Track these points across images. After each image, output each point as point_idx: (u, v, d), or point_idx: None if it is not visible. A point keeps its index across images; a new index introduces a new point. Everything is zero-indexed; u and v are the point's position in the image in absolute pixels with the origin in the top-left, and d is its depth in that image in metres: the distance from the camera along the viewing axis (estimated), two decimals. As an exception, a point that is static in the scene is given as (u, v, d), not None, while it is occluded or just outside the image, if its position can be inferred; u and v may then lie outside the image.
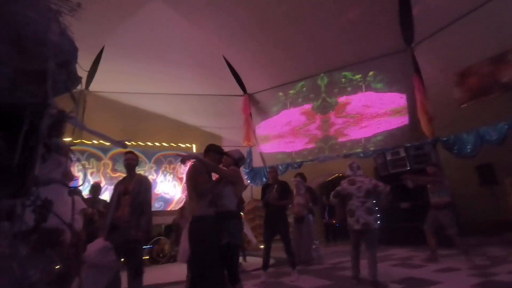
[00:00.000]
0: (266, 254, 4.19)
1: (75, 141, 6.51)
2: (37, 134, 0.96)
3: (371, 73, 7.06)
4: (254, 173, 8.27)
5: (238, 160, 2.98)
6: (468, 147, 5.26)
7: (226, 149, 3.01)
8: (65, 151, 1.25)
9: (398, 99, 6.70)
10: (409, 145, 6.23)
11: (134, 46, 6.88)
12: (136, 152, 3.47)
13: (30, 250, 1.09)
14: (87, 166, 7.51)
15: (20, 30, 0.90)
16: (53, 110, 1.02)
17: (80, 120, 1.14)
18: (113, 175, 7.75)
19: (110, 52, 6.77)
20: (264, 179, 7.90)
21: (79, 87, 3.74)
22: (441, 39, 5.76)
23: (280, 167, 7.97)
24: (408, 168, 6.07)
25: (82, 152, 7.45)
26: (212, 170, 2.67)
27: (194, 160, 2.67)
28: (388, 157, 6.53)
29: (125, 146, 1.39)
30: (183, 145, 8.88)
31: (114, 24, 6.00)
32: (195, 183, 2.60)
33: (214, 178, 2.83)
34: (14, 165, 0.90)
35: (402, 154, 6.31)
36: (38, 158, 0.98)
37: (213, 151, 2.83)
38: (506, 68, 5.16)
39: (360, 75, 7.22)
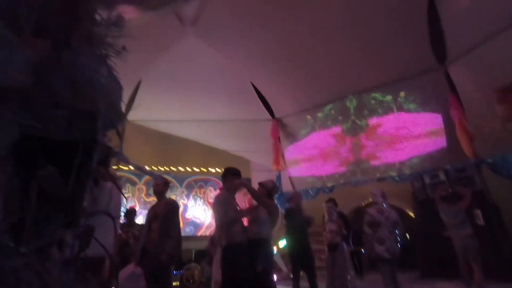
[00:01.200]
0: (296, 286, 4.06)
1: (114, 167, 6.90)
2: (87, 168, 1.04)
3: (402, 93, 6.87)
4: (284, 198, 8.16)
5: (271, 189, 3.01)
6: (517, 169, 4.85)
7: (255, 173, 3.07)
8: (113, 180, 1.33)
9: (434, 120, 6.41)
10: (449, 167, 5.86)
11: (167, 78, 7.31)
12: (168, 177, 3.60)
13: (74, 275, 1.14)
14: (123, 191, 7.86)
15: (76, 75, 1.01)
16: (101, 146, 1.10)
17: (125, 155, 1.21)
18: (147, 200, 8.01)
19: (146, 84, 7.25)
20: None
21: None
22: (477, 56, 5.52)
23: (310, 191, 7.80)
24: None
25: (119, 178, 7.83)
26: (256, 199, 2.73)
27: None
28: (427, 181, 6.18)
29: (164, 179, 1.46)
30: (213, 170, 9.03)
31: (150, 60, 6.45)
32: (225, 211, 2.63)
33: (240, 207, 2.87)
34: (66, 197, 0.97)
35: (442, 177, 5.94)
36: (87, 191, 1.06)
37: (231, 174, 2.89)
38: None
39: (390, 96, 7.05)
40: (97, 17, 1.26)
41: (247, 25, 5.98)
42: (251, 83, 7.73)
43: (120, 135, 1.24)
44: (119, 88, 1.20)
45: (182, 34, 6.14)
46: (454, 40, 5.74)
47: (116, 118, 1.18)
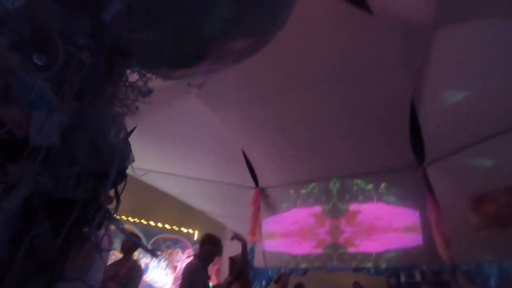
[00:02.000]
0: None
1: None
2: (78, 229, 0.99)
3: (383, 184, 7.14)
4: (254, 274, 7.65)
5: (243, 266, 2.86)
6: (492, 280, 4.84)
7: (229, 242, 2.93)
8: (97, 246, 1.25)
9: (412, 216, 6.57)
10: (426, 268, 5.80)
11: (159, 128, 7.42)
12: (135, 230, 3.39)
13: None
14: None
15: (97, 137, 1.03)
16: (101, 208, 1.07)
17: (122, 223, 1.17)
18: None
19: (139, 132, 7.28)
20: (264, 283, 7.24)
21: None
22: (455, 162, 5.96)
23: (282, 270, 7.39)
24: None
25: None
26: (245, 264, 2.57)
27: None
28: (403, 279, 6.03)
29: (157, 255, 1.39)
30: (185, 230, 8.58)
31: (150, 110, 6.62)
32: (191, 284, 2.45)
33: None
34: (49, 257, 0.90)
35: (418, 278, 5.83)
36: (72, 254, 0.98)
37: (211, 243, 2.76)
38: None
39: (372, 185, 7.29)
40: (124, 79, 1.34)
41: (249, 98, 6.39)
42: (242, 150, 7.90)
43: (118, 197, 1.21)
44: (130, 151, 1.22)
45: (187, 93, 6.46)
46: (432, 143, 6.27)
47: (119, 179, 1.18)
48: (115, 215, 1.16)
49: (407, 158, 6.66)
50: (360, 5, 4.91)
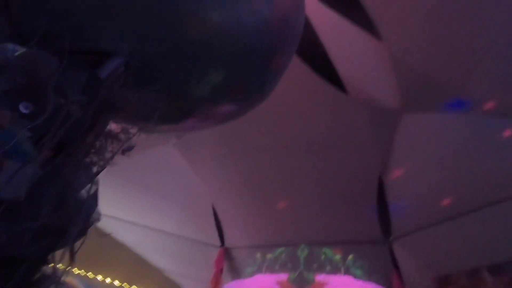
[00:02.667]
0: None
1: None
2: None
3: (350, 256, 7.05)
4: None
5: None
6: None
7: None
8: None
9: (378, 292, 6.41)
10: None
11: (129, 173, 7.13)
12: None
13: None
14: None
15: (65, 193, 0.97)
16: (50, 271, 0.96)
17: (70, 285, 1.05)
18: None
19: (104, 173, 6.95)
20: None
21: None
22: (420, 239, 6.09)
23: None
24: None
25: None
26: None
27: None
28: None
29: None
30: (137, 290, 7.74)
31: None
32: None
33: None
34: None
35: None
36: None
37: None
38: (479, 286, 5.23)
39: (339, 256, 7.17)
40: (106, 131, 1.33)
41: (225, 153, 6.46)
42: (212, 205, 7.68)
43: (73, 257, 1.10)
44: (95, 206, 1.15)
45: (164, 141, 6.42)
46: (398, 219, 6.45)
47: (79, 236, 1.08)
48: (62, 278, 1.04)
49: (374, 231, 6.74)
50: (335, 83, 5.44)
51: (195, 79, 1.57)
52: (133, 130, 1.31)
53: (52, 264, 0.98)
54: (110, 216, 7.71)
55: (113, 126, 1.38)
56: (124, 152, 1.19)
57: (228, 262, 7.97)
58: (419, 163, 5.67)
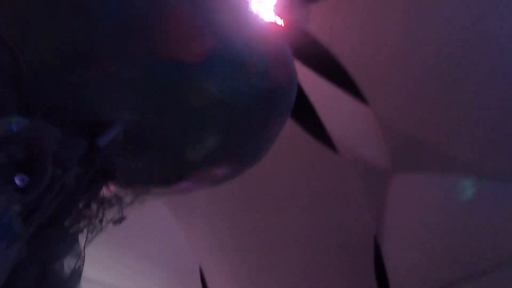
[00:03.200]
0: None
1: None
2: None
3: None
4: None
5: None
6: None
7: None
8: None
9: None
10: None
11: (114, 230, 6.78)
12: None
13: None
14: None
15: (47, 271, 0.91)
16: None
17: None
18: None
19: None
20: None
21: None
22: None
23: None
24: None
25: None
26: None
27: None
28: None
29: None
30: None
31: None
32: None
33: None
34: None
35: None
36: None
37: None
38: None
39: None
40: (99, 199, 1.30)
41: (215, 212, 6.30)
42: (200, 268, 7.21)
43: None
44: (78, 283, 1.06)
45: (154, 197, 6.26)
46: (397, 282, 6.07)
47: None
48: None
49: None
50: (325, 142, 5.59)
51: (191, 145, 1.61)
52: (126, 198, 1.29)
53: None
54: (90, 279, 7.08)
55: (105, 191, 1.36)
56: (115, 223, 1.15)
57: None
58: (413, 225, 5.58)
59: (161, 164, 1.45)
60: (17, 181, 0.83)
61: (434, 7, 4.05)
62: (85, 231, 1.17)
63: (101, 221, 1.19)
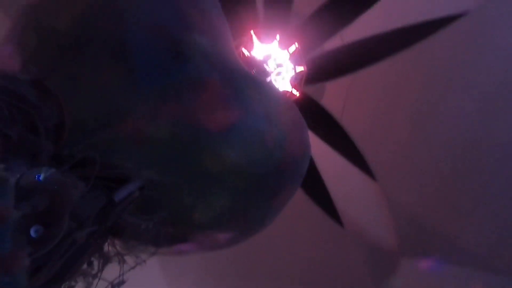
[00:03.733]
0: None
1: None
2: None
3: None
4: None
5: None
6: None
7: None
8: None
9: None
10: None
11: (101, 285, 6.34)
12: None
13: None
14: None
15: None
16: None
17: None
18: None
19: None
20: None
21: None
22: None
23: None
24: None
25: None
26: None
27: None
28: None
29: None
30: None
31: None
32: None
33: None
34: None
35: None
36: None
37: None
38: None
39: None
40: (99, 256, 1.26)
41: (207, 280, 5.98)
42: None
43: None
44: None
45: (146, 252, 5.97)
46: None
47: None
48: None
49: None
50: (332, 215, 5.44)
51: (200, 208, 1.61)
52: (128, 258, 1.25)
53: None
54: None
55: (108, 248, 1.32)
56: (114, 287, 1.09)
57: None
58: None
59: (168, 226, 1.43)
60: (32, 232, 0.82)
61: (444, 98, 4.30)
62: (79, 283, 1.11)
63: (98, 279, 1.13)
